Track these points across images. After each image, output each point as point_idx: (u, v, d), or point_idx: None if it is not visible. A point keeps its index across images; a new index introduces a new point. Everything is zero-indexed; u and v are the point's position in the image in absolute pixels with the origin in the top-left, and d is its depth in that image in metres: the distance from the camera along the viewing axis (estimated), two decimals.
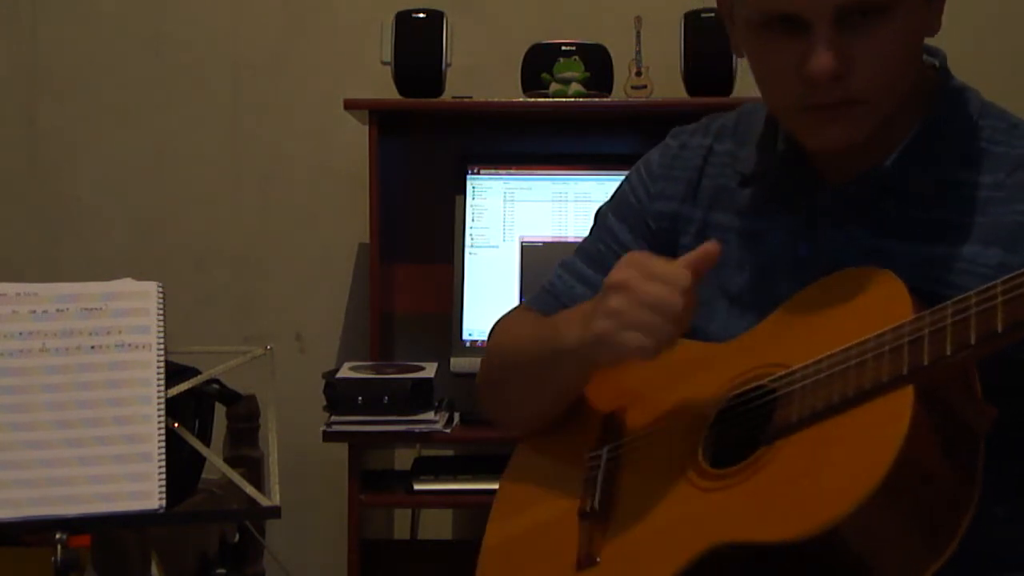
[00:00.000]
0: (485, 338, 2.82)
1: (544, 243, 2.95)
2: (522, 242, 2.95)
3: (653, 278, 1.28)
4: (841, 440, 1.15)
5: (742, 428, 1.28)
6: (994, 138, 1.35)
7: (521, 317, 1.60)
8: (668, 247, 1.51)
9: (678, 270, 1.28)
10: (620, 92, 2.99)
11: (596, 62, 2.96)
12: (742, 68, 2.85)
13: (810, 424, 1.19)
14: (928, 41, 1.36)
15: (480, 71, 3.15)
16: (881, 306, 1.21)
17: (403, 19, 2.93)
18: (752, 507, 1.18)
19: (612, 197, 1.60)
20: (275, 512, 1.89)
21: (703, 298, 1.47)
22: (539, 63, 2.96)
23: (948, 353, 1.11)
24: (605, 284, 1.32)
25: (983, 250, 1.30)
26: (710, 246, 1.30)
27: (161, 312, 1.88)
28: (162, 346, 1.86)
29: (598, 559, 1.31)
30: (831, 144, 1.33)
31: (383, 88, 2.97)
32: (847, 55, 1.26)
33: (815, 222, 1.38)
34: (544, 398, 1.49)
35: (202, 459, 1.98)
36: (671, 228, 1.52)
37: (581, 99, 2.92)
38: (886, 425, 1.11)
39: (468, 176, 2.99)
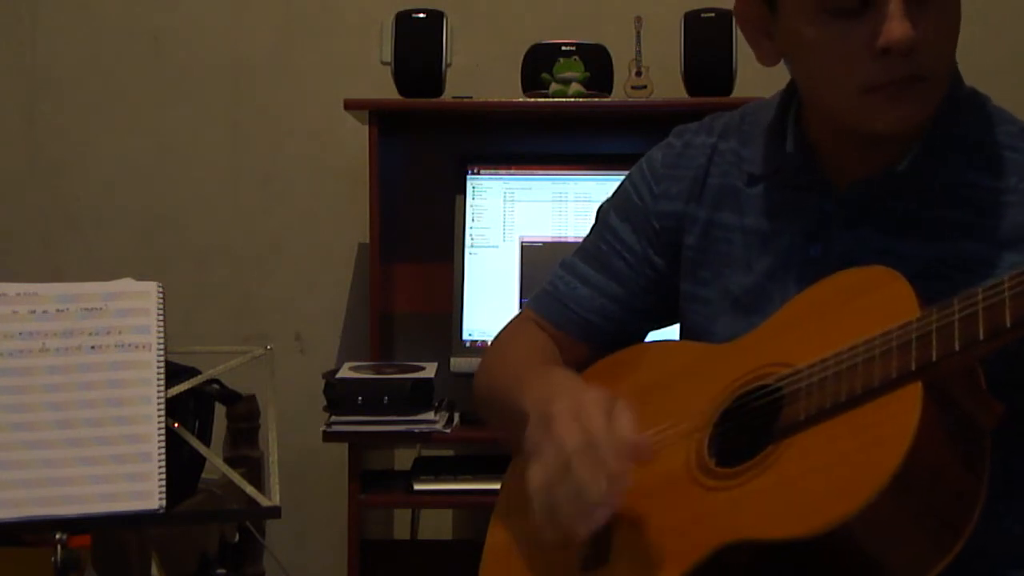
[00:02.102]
0: (485, 338, 2.85)
1: (544, 243, 2.95)
2: (522, 242, 2.95)
3: (592, 463, 1.21)
4: (850, 437, 1.15)
5: (749, 427, 1.27)
6: (1005, 143, 1.35)
7: (518, 341, 1.58)
8: (672, 247, 1.51)
9: (616, 454, 1.21)
10: (620, 92, 2.99)
11: (596, 62, 2.96)
12: (742, 68, 2.85)
13: (818, 421, 1.19)
14: None
15: (480, 71, 3.15)
16: (886, 304, 1.21)
17: (403, 19, 2.93)
18: (761, 505, 1.18)
19: (614, 195, 1.60)
20: (275, 512, 1.89)
21: (707, 298, 1.47)
22: (539, 63, 2.96)
23: (956, 348, 1.11)
24: (557, 417, 1.25)
25: (996, 252, 1.30)
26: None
27: (161, 312, 1.88)
28: (162, 346, 1.86)
29: (604, 559, 1.31)
30: (898, 124, 1.31)
31: (383, 88, 2.97)
32: (916, 28, 1.26)
33: (826, 223, 1.38)
34: (516, 441, 1.49)
35: (202, 459, 1.98)
36: (675, 227, 1.51)
37: (581, 99, 2.92)
38: (895, 421, 1.11)
39: (468, 176, 2.99)
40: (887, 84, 1.29)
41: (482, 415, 1.62)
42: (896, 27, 1.25)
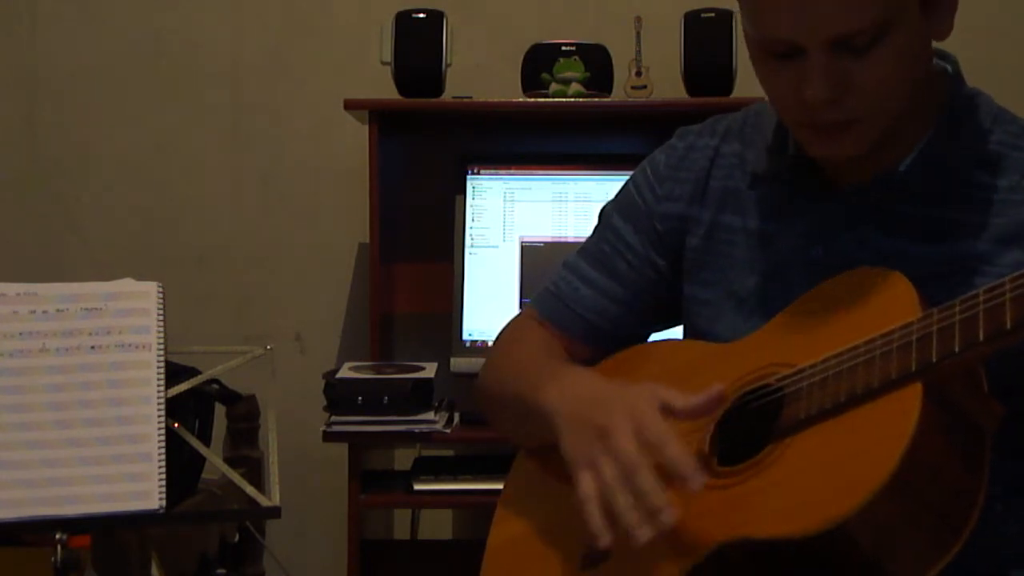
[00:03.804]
0: (485, 338, 2.85)
1: (544, 243, 2.95)
2: (522, 242, 2.95)
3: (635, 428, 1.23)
4: (850, 436, 1.15)
5: (750, 426, 1.28)
6: (1008, 142, 1.35)
7: (524, 339, 1.58)
8: (675, 249, 1.52)
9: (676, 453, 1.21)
10: (620, 92, 2.99)
11: (596, 62, 2.96)
12: (742, 68, 2.85)
13: (819, 421, 1.19)
14: (937, 45, 1.37)
15: (480, 71, 3.15)
16: (888, 305, 1.21)
17: (403, 19, 2.93)
18: (761, 504, 1.18)
19: (617, 197, 1.60)
20: (275, 512, 1.89)
21: (710, 299, 1.47)
22: (539, 63, 2.95)
23: (956, 350, 1.11)
24: (598, 401, 1.28)
25: (999, 251, 1.30)
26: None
27: (161, 312, 1.88)
28: (162, 346, 1.86)
29: (605, 558, 1.31)
30: (833, 156, 1.34)
31: (383, 88, 2.97)
32: (843, 79, 1.26)
33: (829, 224, 1.38)
34: (528, 438, 1.50)
35: (202, 459, 1.98)
36: (679, 229, 1.51)
37: (581, 99, 2.92)
38: (894, 421, 1.11)
39: (468, 176, 2.99)
40: (814, 124, 1.31)
41: (486, 414, 1.62)
42: (812, 88, 1.26)
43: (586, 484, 1.25)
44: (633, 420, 1.24)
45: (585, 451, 1.27)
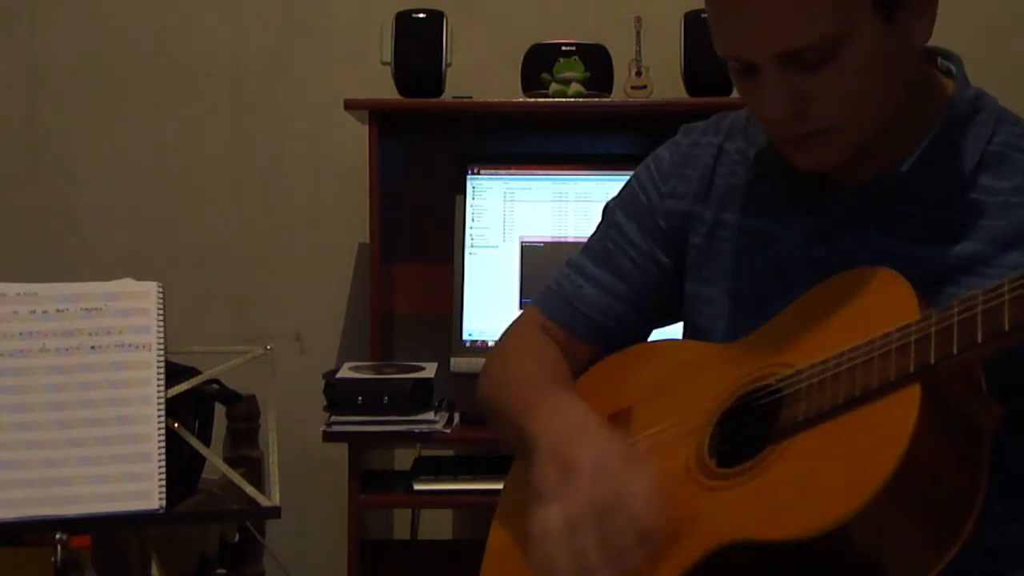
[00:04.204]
0: (485, 338, 2.85)
1: (544, 243, 2.95)
2: (522, 242, 2.95)
3: (619, 514, 1.21)
4: (848, 438, 1.15)
5: (748, 427, 1.27)
6: (1011, 143, 1.35)
7: (525, 349, 1.57)
8: (678, 246, 1.51)
9: (649, 514, 1.21)
10: (620, 92, 2.99)
11: (596, 62, 2.96)
12: None
13: (817, 423, 1.19)
14: (941, 44, 1.37)
15: (480, 71, 3.15)
16: (887, 306, 1.21)
17: (403, 19, 2.93)
18: (760, 505, 1.18)
19: (620, 194, 1.60)
20: (275, 512, 1.89)
21: (711, 297, 1.47)
22: (539, 63, 2.96)
23: (955, 351, 1.11)
24: (581, 469, 1.25)
25: (999, 253, 1.30)
26: None
27: (161, 312, 1.88)
28: (162, 346, 1.86)
29: None
30: (811, 167, 1.34)
31: (383, 88, 2.97)
32: (799, 93, 1.26)
33: (830, 224, 1.38)
34: (519, 453, 1.49)
35: (202, 459, 1.98)
36: (682, 227, 1.51)
37: (581, 99, 2.92)
38: (893, 423, 1.11)
39: (468, 176, 2.99)
40: (785, 139, 1.32)
41: (485, 417, 1.62)
42: (767, 106, 1.27)
43: (549, 518, 1.23)
44: (597, 462, 1.24)
45: (553, 486, 1.26)
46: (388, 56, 2.91)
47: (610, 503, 1.22)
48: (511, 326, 1.63)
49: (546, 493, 1.27)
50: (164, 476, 1.79)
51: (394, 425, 2.68)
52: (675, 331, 1.58)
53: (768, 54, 1.25)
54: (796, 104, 1.26)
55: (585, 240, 1.61)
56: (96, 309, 1.87)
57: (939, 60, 1.39)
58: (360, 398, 2.67)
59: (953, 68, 1.39)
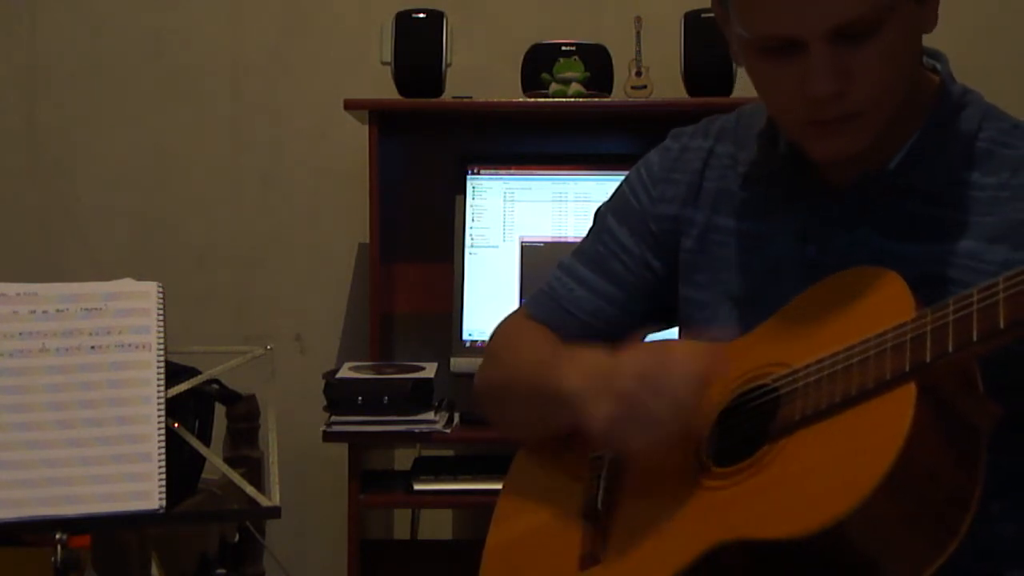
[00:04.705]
0: (485, 338, 2.84)
1: (544, 243, 2.95)
2: (522, 242, 2.95)
3: (660, 394, 1.26)
4: (844, 437, 1.16)
5: (745, 427, 1.28)
6: (998, 139, 1.35)
7: (524, 334, 1.58)
8: (670, 250, 1.52)
9: (689, 394, 1.26)
10: (620, 92, 2.99)
11: (596, 62, 2.96)
12: (742, 69, 2.84)
13: (814, 422, 1.19)
14: (928, 43, 1.37)
15: (480, 71, 3.15)
16: (883, 305, 1.21)
17: (403, 19, 2.93)
18: (756, 504, 1.18)
19: (611, 198, 1.60)
20: (275, 512, 1.90)
21: (704, 300, 1.47)
22: (539, 63, 2.96)
23: (950, 350, 1.11)
24: (622, 371, 1.30)
25: (990, 248, 1.30)
26: None
27: (161, 312, 1.88)
28: (162, 346, 1.87)
29: (601, 558, 1.31)
30: (833, 155, 1.33)
31: (383, 88, 2.97)
32: (845, 71, 1.26)
33: (822, 224, 1.38)
34: (541, 426, 1.49)
35: (202, 459, 1.98)
36: (673, 231, 1.51)
37: (581, 99, 2.92)
38: (889, 422, 1.11)
39: (468, 176, 2.99)
40: (818, 122, 1.30)
41: (488, 411, 1.61)
42: (818, 84, 1.25)
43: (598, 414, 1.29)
44: (651, 376, 1.27)
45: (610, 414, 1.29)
46: (388, 56, 2.91)
47: (655, 370, 1.26)
48: (499, 327, 1.63)
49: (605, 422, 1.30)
50: (164, 476, 1.80)
51: (394, 425, 2.68)
52: (671, 335, 1.58)
53: (820, 28, 1.23)
54: (841, 81, 1.25)
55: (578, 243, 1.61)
56: (96, 309, 1.87)
57: (925, 59, 1.39)
58: (360, 398, 2.67)
59: (939, 66, 1.39)
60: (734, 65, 2.87)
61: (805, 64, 1.26)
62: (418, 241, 3.17)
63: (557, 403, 1.38)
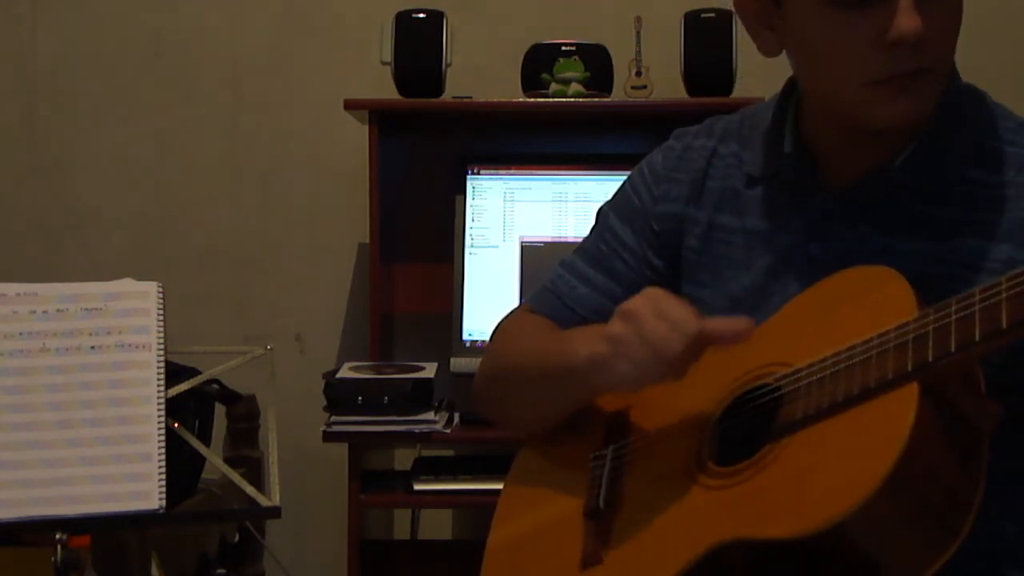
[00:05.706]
0: (485, 338, 2.84)
1: (544, 243, 2.95)
2: (522, 242, 2.95)
3: (661, 316, 1.28)
4: (846, 437, 1.15)
5: (747, 426, 1.28)
6: (1004, 137, 1.35)
7: (526, 325, 1.58)
8: (672, 249, 1.52)
9: (688, 317, 1.28)
10: (620, 92, 2.99)
11: (596, 62, 2.96)
12: (742, 68, 2.85)
13: (815, 421, 1.19)
14: None
15: (480, 71, 3.16)
16: (885, 304, 1.21)
17: (403, 19, 2.93)
18: (758, 504, 1.18)
19: (614, 197, 1.60)
20: (275, 512, 1.90)
21: (707, 299, 1.47)
22: (539, 63, 2.96)
23: (952, 349, 1.11)
24: (618, 310, 1.32)
25: (993, 246, 1.30)
26: (743, 326, 1.29)
27: (161, 312, 1.88)
28: (162, 346, 1.86)
29: (603, 557, 1.31)
30: (899, 118, 1.31)
31: (383, 88, 2.97)
32: (924, 19, 1.26)
33: (825, 222, 1.38)
34: (549, 410, 1.49)
35: (202, 459, 1.98)
36: (675, 230, 1.51)
37: (581, 99, 2.92)
38: (891, 421, 1.11)
39: (468, 176, 2.99)
40: (893, 77, 1.29)
41: (490, 403, 1.60)
42: (906, 20, 1.25)
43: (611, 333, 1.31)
44: (650, 302, 1.30)
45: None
46: (388, 56, 2.91)
47: (657, 294, 1.30)
48: (501, 324, 1.63)
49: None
50: (164, 476, 1.79)
51: (394, 425, 2.68)
52: None
53: None
54: (924, 26, 1.26)
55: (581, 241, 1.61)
56: (96, 309, 1.87)
57: None
58: (360, 398, 2.67)
59: None
60: (734, 65, 2.87)
61: (883, 13, 1.26)
62: (418, 241, 3.17)
63: (567, 374, 1.39)
